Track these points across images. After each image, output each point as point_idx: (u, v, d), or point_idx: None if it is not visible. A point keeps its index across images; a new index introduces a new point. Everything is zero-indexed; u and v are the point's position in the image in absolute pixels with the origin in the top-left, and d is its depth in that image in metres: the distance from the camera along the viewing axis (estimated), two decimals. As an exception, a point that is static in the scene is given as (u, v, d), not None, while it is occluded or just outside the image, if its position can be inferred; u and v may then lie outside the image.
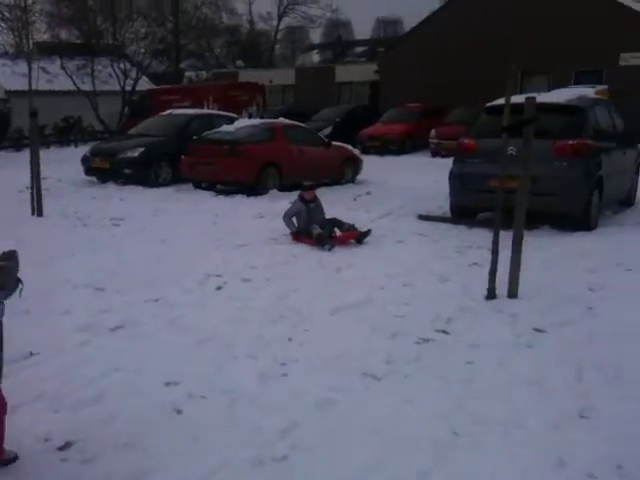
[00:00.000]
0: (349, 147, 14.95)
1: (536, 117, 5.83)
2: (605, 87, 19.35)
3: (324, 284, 6.49)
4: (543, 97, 8.95)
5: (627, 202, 10.85)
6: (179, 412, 3.89)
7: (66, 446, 3.48)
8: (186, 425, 3.73)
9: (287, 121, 14.45)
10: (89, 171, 14.50)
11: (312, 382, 4.25)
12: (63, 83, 27.78)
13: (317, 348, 4.82)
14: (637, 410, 3.84)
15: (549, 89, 17.64)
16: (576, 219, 8.85)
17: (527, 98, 5.92)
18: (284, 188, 12.42)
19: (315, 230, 8.12)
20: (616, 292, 6.12)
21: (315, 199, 8.68)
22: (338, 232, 8.37)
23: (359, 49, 56.69)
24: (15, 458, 3.28)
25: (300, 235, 8.35)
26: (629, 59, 21.85)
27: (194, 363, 4.55)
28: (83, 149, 17.14)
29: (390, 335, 5.08)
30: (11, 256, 3.09)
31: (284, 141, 13.19)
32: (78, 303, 5.83)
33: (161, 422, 3.76)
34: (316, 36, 58.95)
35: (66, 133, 27.23)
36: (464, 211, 9.68)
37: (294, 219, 8.50)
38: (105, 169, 14.08)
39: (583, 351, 4.72)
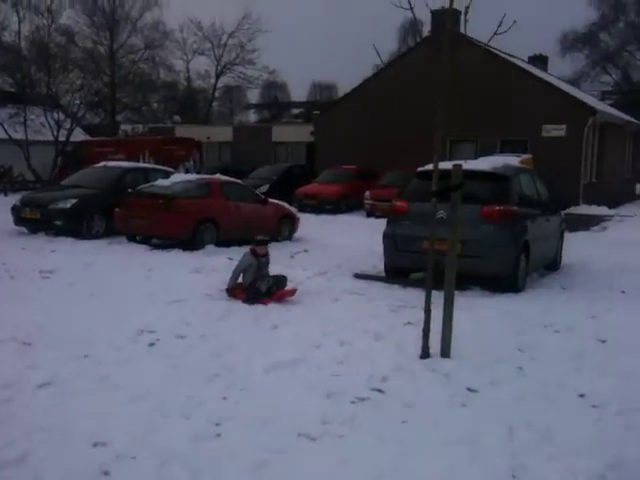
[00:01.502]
0: (286, 205, 15.09)
1: (462, 183, 6.07)
2: (530, 156, 20.36)
3: (260, 342, 6.43)
4: (471, 164, 9.33)
5: (553, 266, 11.25)
6: (106, 474, 3.75)
7: (-15, 511, 3.31)
8: (114, 487, 3.60)
9: (224, 177, 14.49)
10: (19, 221, 14.12)
11: (246, 442, 4.18)
12: (-6, 131, 27.21)
13: (252, 407, 4.75)
14: (566, 469, 3.92)
15: (476, 156, 18.46)
16: (504, 281, 9.13)
17: (454, 165, 6.17)
18: (221, 244, 12.39)
19: (263, 287, 8.14)
20: (544, 353, 6.29)
21: (267, 254, 8.64)
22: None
23: (295, 110, 58.01)
24: None
25: (241, 289, 8.26)
26: (551, 130, 23.14)
27: (124, 422, 4.41)
28: (13, 198, 16.68)
29: (325, 394, 5.06)
30: None
31: (221, 197, 13.21)
32: (3, 358, 5.59)
33: (88, 484, 3.61)
34: (253, 95, 60.06)
35: (-4, 181, 26.54)
36: (398, 271, 9.86)
37: (241, 275, 8.40)
38: (36, 219, 13.76)
39: (514, 410, 4.82)
